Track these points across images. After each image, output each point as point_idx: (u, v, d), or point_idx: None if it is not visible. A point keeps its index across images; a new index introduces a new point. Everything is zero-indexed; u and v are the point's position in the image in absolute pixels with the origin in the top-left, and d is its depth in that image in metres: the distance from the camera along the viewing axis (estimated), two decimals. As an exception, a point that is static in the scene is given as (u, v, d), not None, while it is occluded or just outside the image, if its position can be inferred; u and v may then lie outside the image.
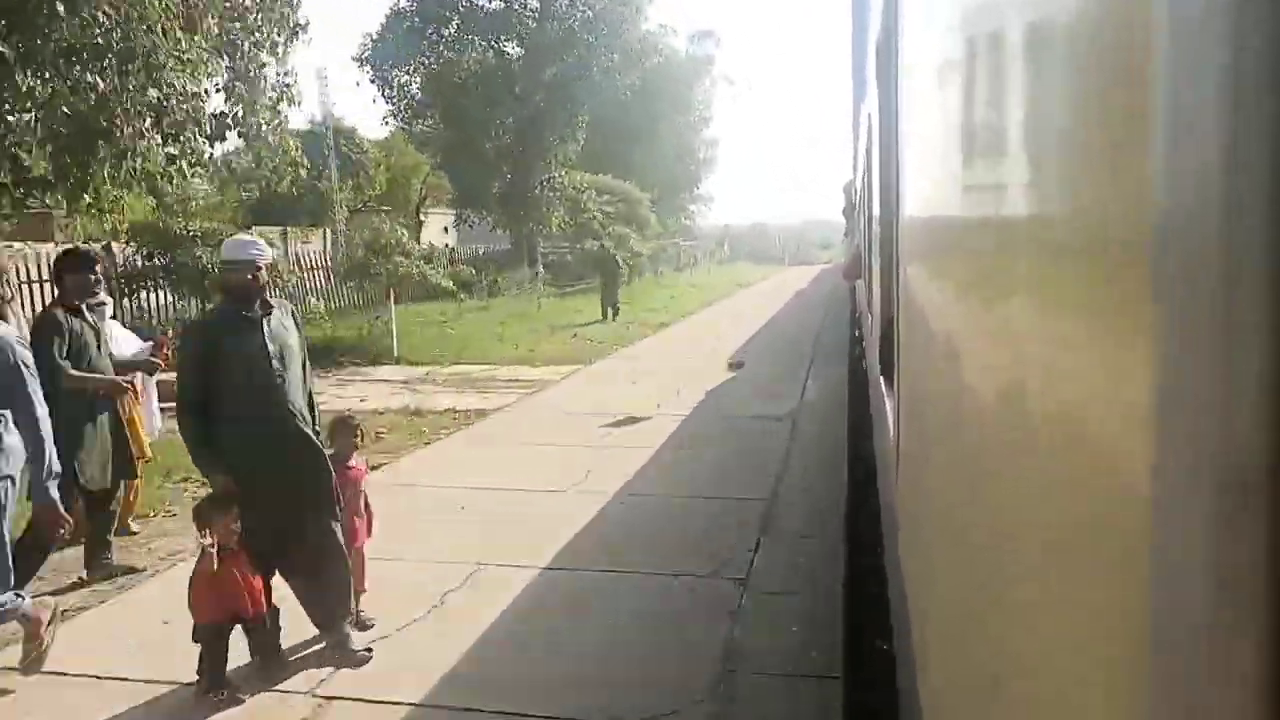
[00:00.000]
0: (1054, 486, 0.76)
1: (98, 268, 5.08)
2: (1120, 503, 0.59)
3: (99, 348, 4.95)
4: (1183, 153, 0.45)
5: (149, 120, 10.17)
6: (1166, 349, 0.49)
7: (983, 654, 1.08)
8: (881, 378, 3.69)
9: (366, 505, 4.41)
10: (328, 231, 29.66)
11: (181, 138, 10.82)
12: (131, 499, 5.76)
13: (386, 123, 41.17)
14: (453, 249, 30.47)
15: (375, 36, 39.01)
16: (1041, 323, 0.82)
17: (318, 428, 4.06)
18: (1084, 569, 0.68)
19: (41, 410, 3.73)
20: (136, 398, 5.56)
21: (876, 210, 4.16)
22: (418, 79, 40.15)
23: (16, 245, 13.37)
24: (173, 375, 4.13)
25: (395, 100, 40.11)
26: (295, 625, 3.99)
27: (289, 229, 25.40)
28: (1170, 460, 0.49)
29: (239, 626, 3.70)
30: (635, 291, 27.36)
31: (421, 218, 42.47)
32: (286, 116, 13.30)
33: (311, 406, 4.05)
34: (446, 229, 45.60)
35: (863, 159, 7.94)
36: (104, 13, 9.19)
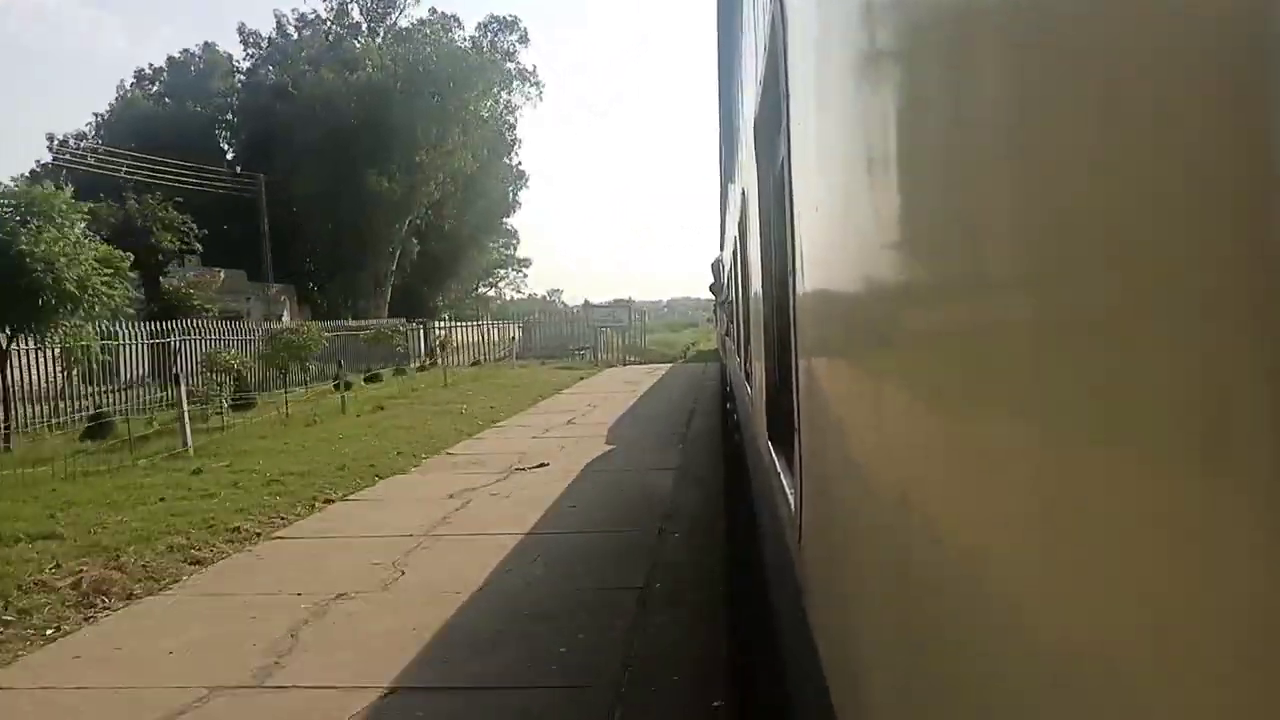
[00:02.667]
0: (983, 542, 0.81)
1: None
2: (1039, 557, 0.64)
3: None
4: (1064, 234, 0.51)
5: None
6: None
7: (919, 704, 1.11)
8: (771, 441, 3.77)
9: None
10: None
11: None
12: None
13: None
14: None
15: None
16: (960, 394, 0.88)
17: None
18: (1018, 624, 0.72)
19: None
20: None
21: (759, 283, 4.31)
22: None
23: None
24: None
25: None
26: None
27: None
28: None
29: None
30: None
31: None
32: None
33: None
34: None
35: (735, 236, 8.24)
36: None
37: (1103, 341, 0.55)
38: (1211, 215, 0.42)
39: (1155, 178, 0.47)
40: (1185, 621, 0.46)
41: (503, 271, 70.97)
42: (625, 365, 31.81)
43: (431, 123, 46.62)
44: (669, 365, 32.28)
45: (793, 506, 2.66)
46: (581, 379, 26.31)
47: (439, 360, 28.03)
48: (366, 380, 24.59)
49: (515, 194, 58.86)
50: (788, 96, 2.38)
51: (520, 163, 60.07)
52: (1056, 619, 0.63)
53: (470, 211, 53.17)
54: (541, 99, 53.92)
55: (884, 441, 1.31)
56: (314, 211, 45.75)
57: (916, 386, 1.10)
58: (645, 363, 32.94)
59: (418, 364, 30.70)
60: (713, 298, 33.34)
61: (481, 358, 34.16)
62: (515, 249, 69.76)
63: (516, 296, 73.98)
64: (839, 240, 1.60)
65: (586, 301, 42.03)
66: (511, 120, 55.20)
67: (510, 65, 51.83)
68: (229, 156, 52.04)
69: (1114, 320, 0.53)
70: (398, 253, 48.72)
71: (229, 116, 52.53)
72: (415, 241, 49.57)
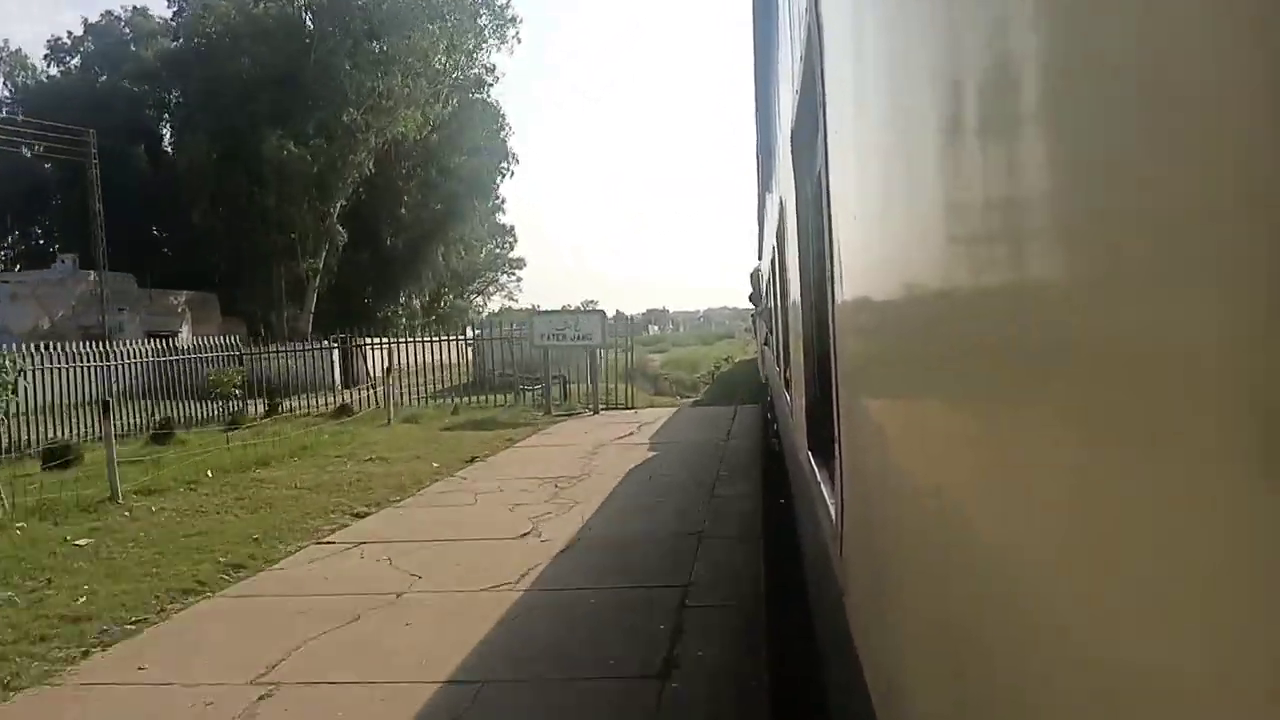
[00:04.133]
0: (1031, 559, 0.81)
1: None
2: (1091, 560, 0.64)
3: None
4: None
5: None
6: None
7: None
8: (811, 450, 3.75)
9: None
10: None
11: None
12: None
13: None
14: None
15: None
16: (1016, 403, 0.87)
17: None
18: (1064, 639, 0.71)
19: None
20: None
21: (797, 293, 4.30)
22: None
23: None
24: None
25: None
26: None
27: None
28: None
29: None
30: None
31: None
32: None
33: None
34: None
35: (773, 246, 8.22)
36: None
37: (1155, 351, 0.53)
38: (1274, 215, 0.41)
39: (1213, 178, 0.46)
40: (1235, 627, 0.45)
41: (491, 275, 59.05)
42: (600, 411, 18.77)
43: (364, 74, 35.60)
44: (670, 411, 19.08)
45: (834, 517, 2.65)
46: (468, 463, 12.40)
47: (377, 392, 20.11)
48: (154, 440, 15.60)
49: (503, 177, 48.71)
50: (824, 105, 2.38)
51: (509, 135, 48.22)
52: (1106, 635, 0.62)
53: (435, 197, 42.73)
54: (519, 42, 44.60)
55: (925, 453, 1.31)
56: (201, 189, 36.35)
57: (957, 397, 1.10)
58: (631, 407, 19.54)
59: (329, 405, 20.26)
60: (751, 307, 32.30)
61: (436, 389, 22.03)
62: (511, 248, 59.47)
63: (513, 306, 60.52)
64: (877, 249, 1.60)
65: (535, 309, 27.97)
66: (489, 80, 44.32)
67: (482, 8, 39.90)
68: (166, 135, 43.51)
69: (1168, 328, 0.52)
70: (324, 247, 37.70)
71: (156, 88, 42.99)
72: (342, 232, 37.93)
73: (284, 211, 35.79)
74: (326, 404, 20.55)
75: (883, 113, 1.49)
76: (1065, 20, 0.66)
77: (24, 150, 37.07)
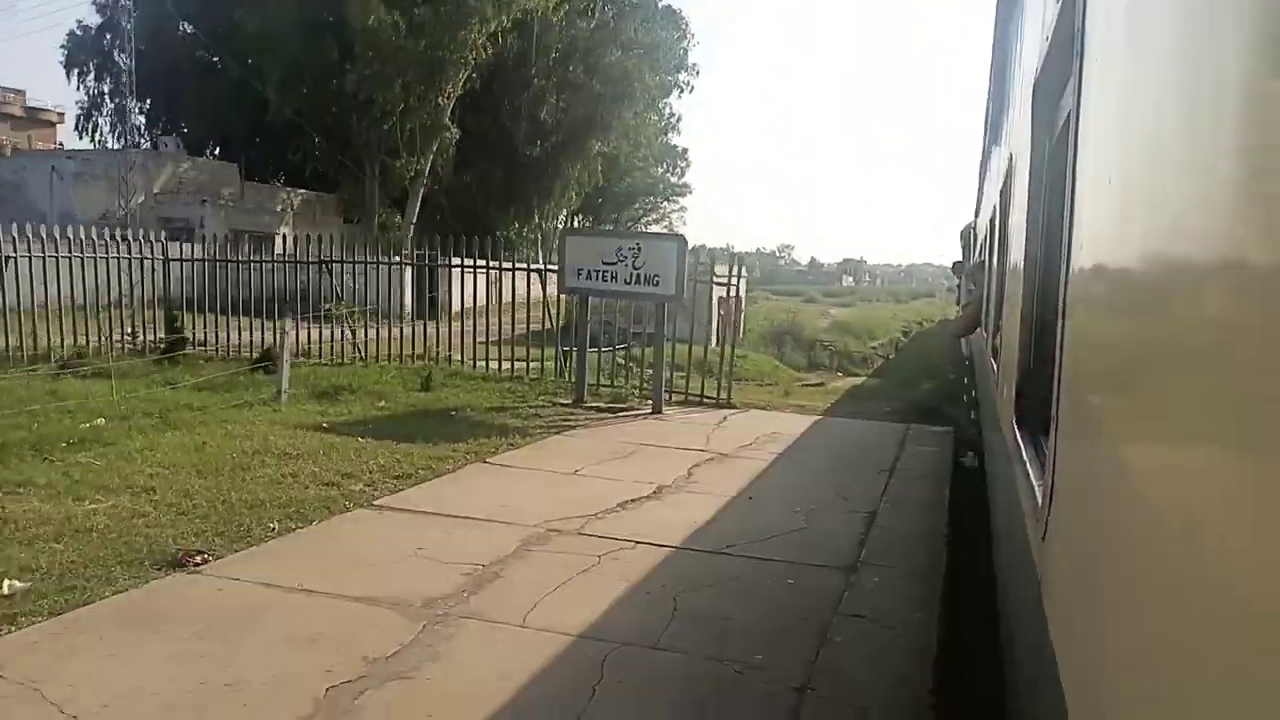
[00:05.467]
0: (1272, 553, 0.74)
1: None
2: None
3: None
4: None
5: None
6: None
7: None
8: (1018, 425, 3.58)
9: None
10: None
11: None
12: None
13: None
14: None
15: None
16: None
17: None
18: None
19: None
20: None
21: (1020, 255, 4.06)
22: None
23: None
24: None
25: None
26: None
27: None
28: None
29: None
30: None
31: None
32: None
33: None
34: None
35: (994, 204, 7.78)
36: None
37: None
38: None
39: None
40: None
41: (651, 200, 53.05)
42: (668, 407, 11.20)
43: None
44: (782, 423, 10.75)
45: (1039, 498, 2.54)
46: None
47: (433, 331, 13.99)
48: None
49: (680, 92, 43.81)
50: (1082, 53, 2.20)
51: (690, 45, 43.53)
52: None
53: (582, 100, 36.31)
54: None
55: (1159, 442, 1.22)
56: (275, 60, 30.35)
57: (1212, 392, 1.00)
58: (726, 401, 11.76)
59: (350, 344, 13.87)
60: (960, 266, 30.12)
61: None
62: (682, 174, 53.51)
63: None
64: (1138, 222, 1.47)
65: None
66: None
67: None
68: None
69: None
70: (431, 146, 31.49)
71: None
72: (452, 129, 31.55)
73: (380, 97, 29.28)
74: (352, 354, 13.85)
75: (1162, 65, 1.35)
76: None
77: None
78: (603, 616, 4.48)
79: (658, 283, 10.78)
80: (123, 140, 36.57)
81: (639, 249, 11.01)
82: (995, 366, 5.90)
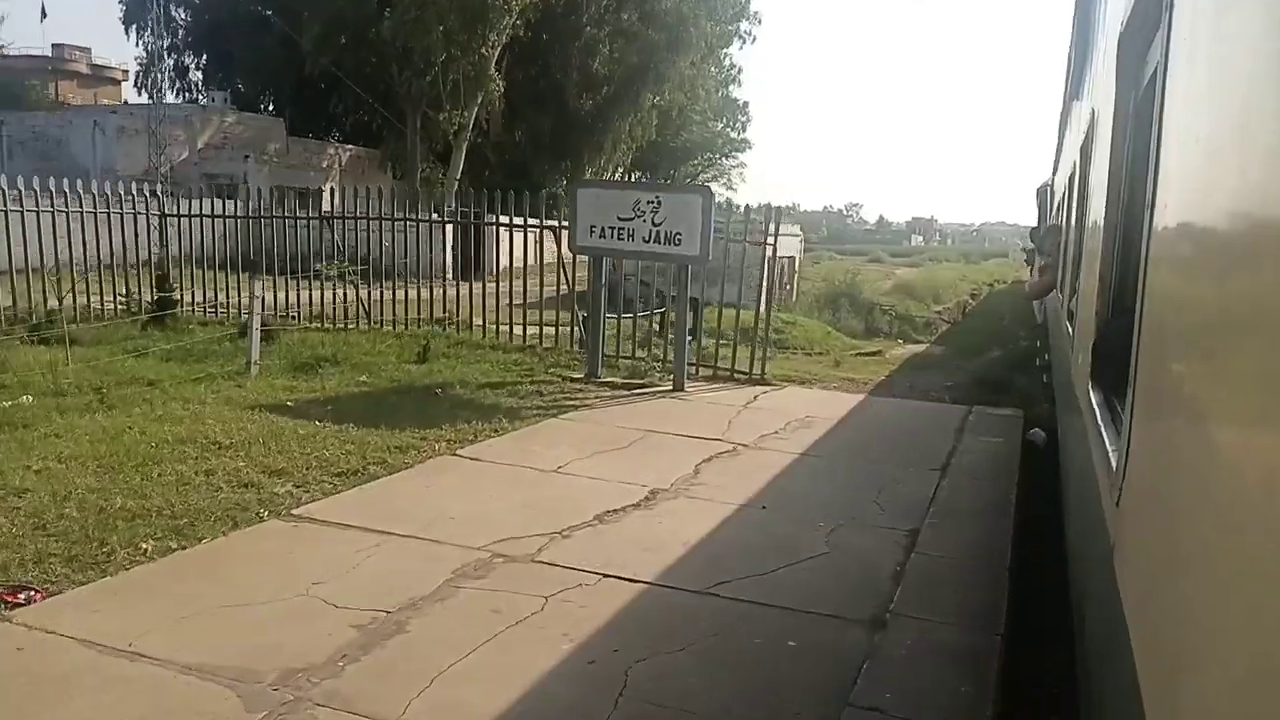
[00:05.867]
0: None
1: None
2: None
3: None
4: None
5: None
6: None
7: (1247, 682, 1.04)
8: (1093, 387, 3.52)
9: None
10: None
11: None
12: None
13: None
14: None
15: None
16: None
17: None
18: None
19: None
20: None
21: (1100, 214, 3.97)
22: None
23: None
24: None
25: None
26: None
27: None
28: None
29: None
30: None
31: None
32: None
33: None
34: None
35: (1074, 160, 7.56)
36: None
37: None
38: None
39: None
40: None
41: (710, 156, 50.52)
42: (690, 383, 10.06)
43: None
44: (819, 402, 9.51)
45: (1114, 463, 2.51)
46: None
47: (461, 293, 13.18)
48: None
49: (742, 43, 41.86)
50: (1171, 4, 2.14)
51: None
52: None
53: (634, 49, 34.81)
54: None
55: (1247, 414, 1.21)
56: (317, 13, 29.72)
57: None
58: (760, 379, 10.46)
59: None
60: (1033, 225, 28.83)
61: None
62: (743, 129, 50.84)
63: (731, 198, 55.45)
64: (1227, 181, 1.44)
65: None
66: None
67: None
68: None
69: None
70: (476, 98, 30.57)
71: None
72: (497, 80, 30.28)
73: (420, 45, 28.18)
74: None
75: (1249, 15, 1.32)
76: None
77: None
78: (518, 704, 3.29)
79: (679, 241, 9.61)
80: (181, 96, 37.03)
81: (658, 203, 9.77)
82: (1071, 329, 5.78)
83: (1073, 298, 6.09)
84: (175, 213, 13.79)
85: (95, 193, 12.38)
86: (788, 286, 23.97)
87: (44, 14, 44.26)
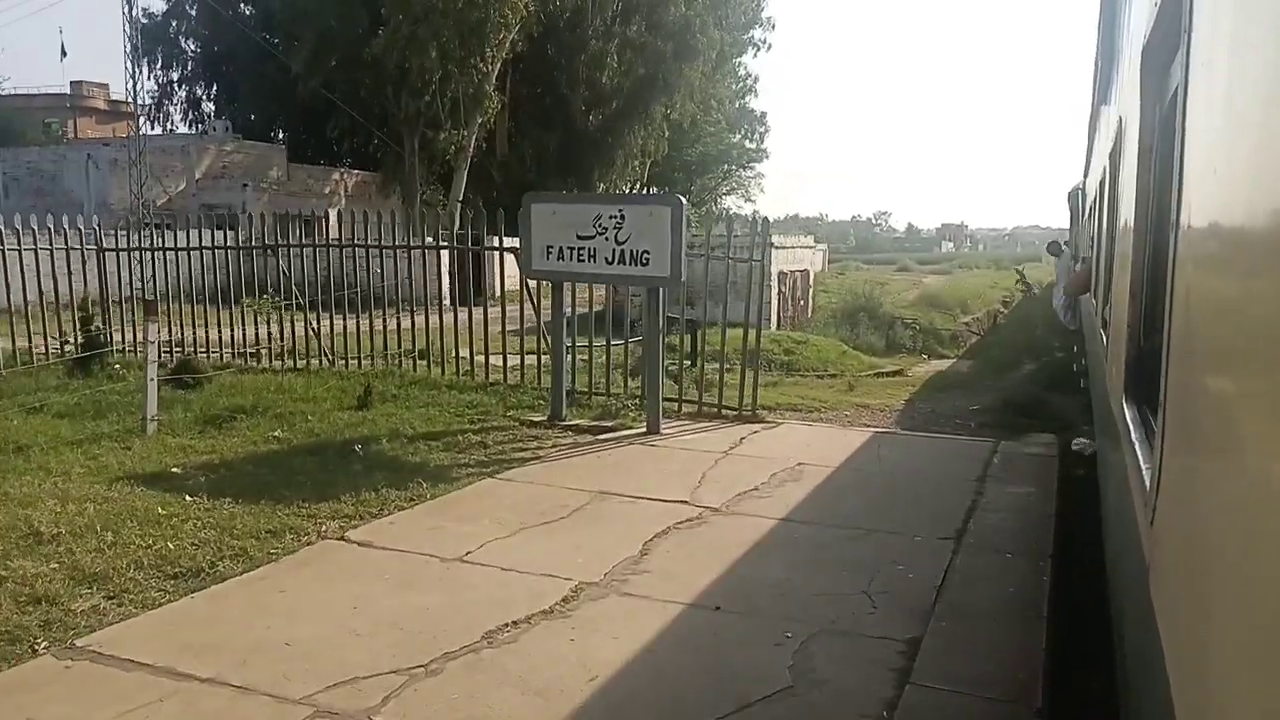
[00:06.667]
0: None
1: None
2: None
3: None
4: None
5: None
6: None
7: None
8: (1126, 401, 3.52)
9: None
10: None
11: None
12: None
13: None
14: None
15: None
16: None
17: None
18: None
19: None
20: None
21: (1129, 219, 3.99)
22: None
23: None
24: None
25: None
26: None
27: None
28: None
29: None
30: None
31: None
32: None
33: None
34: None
35: (1103, 166, 7.55)
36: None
37: None
38: None
39: None
40: None
41: (725, 168, 49.74)
42: (666, 426, 8.74)
43: None
44: (861, 439, 8.55)
45: (1147, 480, 2.51)
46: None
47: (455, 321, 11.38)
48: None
49: (756, 50, 41.30)
50: (1190, 27, 2.17)
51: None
52: None
53: (643, 60, 34.09)
54: None
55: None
56: (300, 24, 30.47)
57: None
58: (751, 415, 9.21)
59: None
60: (1065, 229, 28.27)
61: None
62: (761, 139, 50.29)
63: (751, 209, 50.12)
64: (1243, 188, 1.46)
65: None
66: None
67: None
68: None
69: None
70: (476, 116, 30.29)
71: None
72: (493, 97, 30.04)
73: (415, 64, 27.46)
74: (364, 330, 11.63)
75: (1268, 41, 1.36)
76: None
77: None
78: None
79: (647, 261, 8.35)
80: (195, 127, 37.01)
81: (622, 217, 8.48)
82: (1105, 338, 5.76)
83: (1106, 306, 6.07)
84: (126, 246, 12.53)
85: (51, 229, 11.39)
86: (801, 302, 23.45)
87: (64, 52, 46.41)
